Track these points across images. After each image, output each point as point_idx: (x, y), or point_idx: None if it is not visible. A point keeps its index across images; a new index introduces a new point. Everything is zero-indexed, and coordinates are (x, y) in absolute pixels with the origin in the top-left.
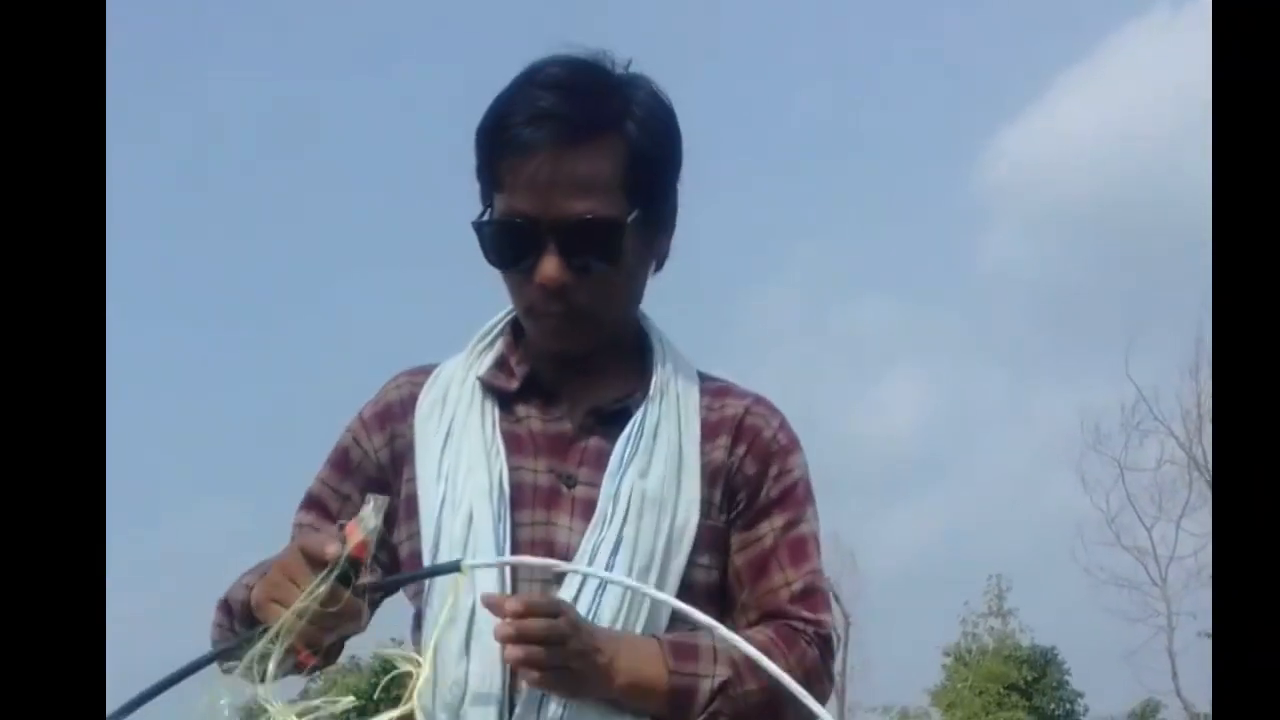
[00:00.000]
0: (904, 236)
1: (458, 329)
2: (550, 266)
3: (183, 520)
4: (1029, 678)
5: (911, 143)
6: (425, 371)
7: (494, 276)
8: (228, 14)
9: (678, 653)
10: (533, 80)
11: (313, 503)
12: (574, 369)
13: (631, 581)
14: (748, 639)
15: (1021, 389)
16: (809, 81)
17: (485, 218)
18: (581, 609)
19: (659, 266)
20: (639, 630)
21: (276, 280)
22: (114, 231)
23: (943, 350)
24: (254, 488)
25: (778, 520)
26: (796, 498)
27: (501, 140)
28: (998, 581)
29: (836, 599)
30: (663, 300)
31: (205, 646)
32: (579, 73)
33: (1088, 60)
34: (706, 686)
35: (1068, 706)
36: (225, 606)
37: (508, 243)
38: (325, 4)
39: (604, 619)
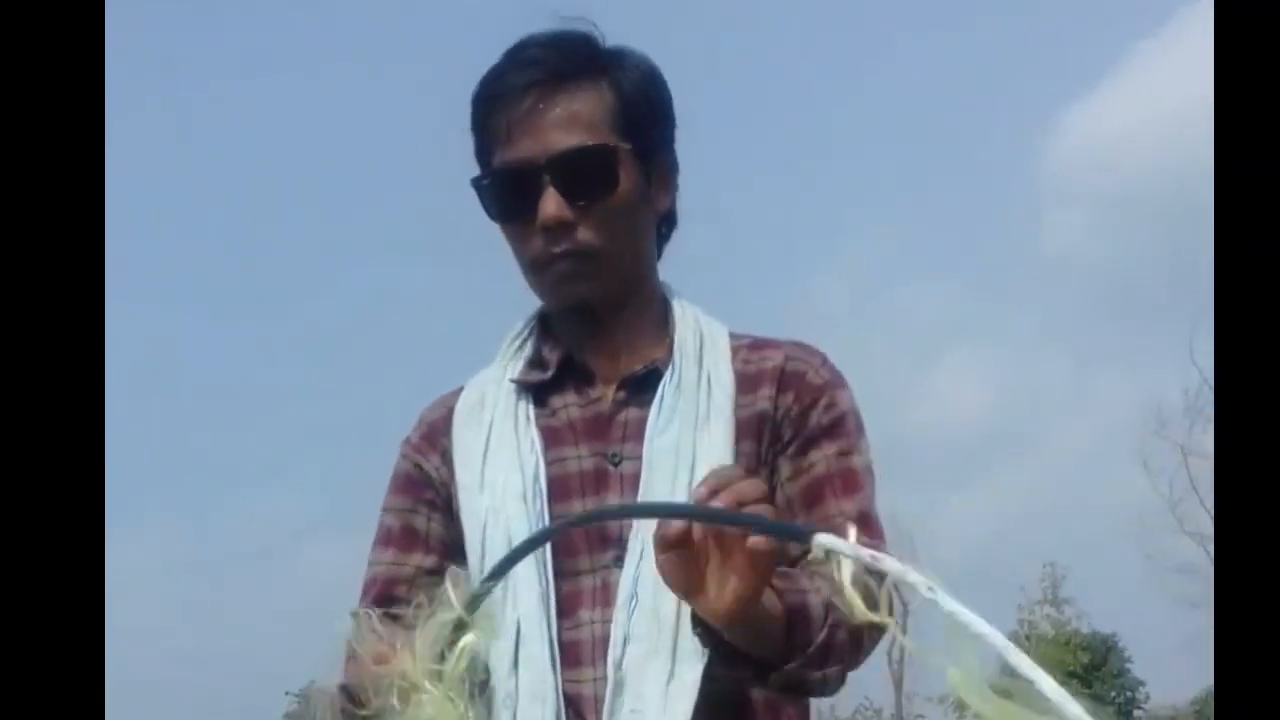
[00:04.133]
0: (966, 219)
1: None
2: (550, 204)
3: (243, 512)
4: (1085, 663)
5: (974, 123)
6: (455, 392)
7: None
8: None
9: (780, 574)
10: (521, 42)
11: (390, 538)
12: (601, 337)
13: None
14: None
15: (1084, 374)
16: (870, 63)
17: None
18: (628, 582)
19: (667, 228)
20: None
21: (325, 266)
22: (167, 227)
23: (1004, 335)
24: (314, 481)
25: (829, 448)
26: (847, 429)
27: (492, 91)
28: (1052, 569)
29: (895, 586)
30: (720, 284)
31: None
32: (566, 32)
33: (1158, 36)
34: (817, 601)
35: (1129, 694)
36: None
37: (506, 191)
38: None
39: (643, 590)
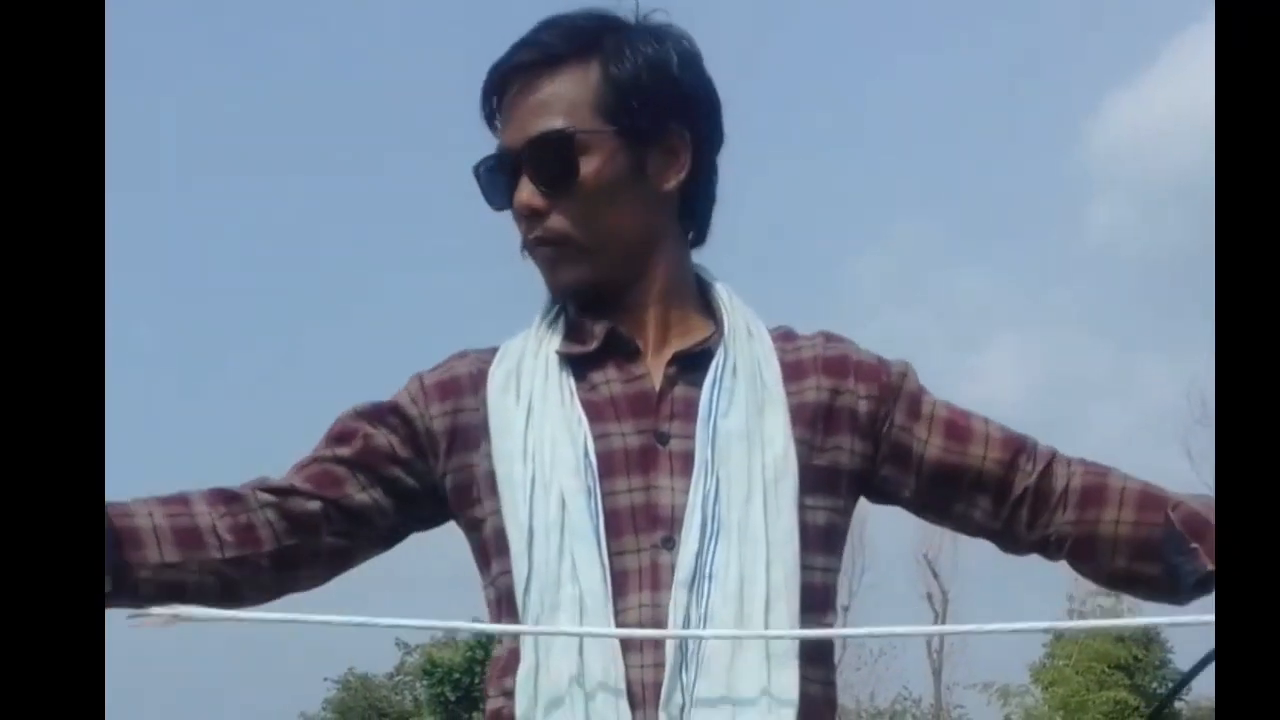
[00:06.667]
0: (1011, 204)
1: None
2: (523, 192)
3: None
4: (1137, 656)
5: (1020, 108)
6: (489, 351)
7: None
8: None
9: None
10: (537, 25)
11: (338, 439)
12: (635, 315)
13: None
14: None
15: (1127, 362)
16: (913, 48)
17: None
18: (687, 559)
19: (696, 206)
20: (763, 582)
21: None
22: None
23: (1047, 322)
24: None
25: (928, 398)
26: (920, 383)
27: (490, 77)
28: None
29: (935, 574)
30: (764, 268)
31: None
32: (575, 12)
33: (1205, 21)
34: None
35: (1170, 685)
36: None
37: (493, 179)
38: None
39: (720, 571)
